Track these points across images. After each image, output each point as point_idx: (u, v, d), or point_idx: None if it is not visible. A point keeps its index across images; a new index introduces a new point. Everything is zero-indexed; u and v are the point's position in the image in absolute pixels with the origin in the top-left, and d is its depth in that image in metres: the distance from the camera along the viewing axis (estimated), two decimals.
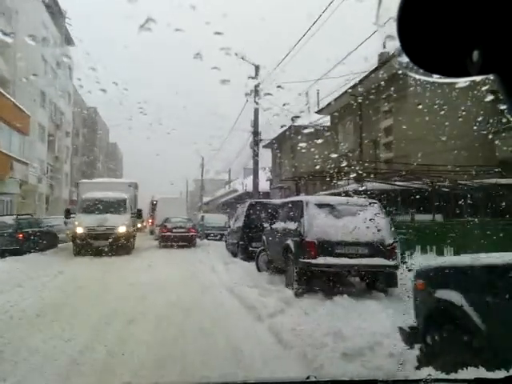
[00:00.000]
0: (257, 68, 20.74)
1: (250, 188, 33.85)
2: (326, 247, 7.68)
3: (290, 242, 8.30)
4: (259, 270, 10.43)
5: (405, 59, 0.76)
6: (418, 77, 0.81)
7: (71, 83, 43.11)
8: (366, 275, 8.05)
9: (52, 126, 36.73)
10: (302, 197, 8.85)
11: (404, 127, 16.47)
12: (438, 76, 0.79)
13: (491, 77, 0.76)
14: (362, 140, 19.64)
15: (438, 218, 12.98)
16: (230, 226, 16.08)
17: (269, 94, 31.45)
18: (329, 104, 22.22)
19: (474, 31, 0.71)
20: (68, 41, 41.35)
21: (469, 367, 2.47)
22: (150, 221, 32.08)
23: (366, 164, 17.62)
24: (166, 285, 8.99)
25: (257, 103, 20.09)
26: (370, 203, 8.43)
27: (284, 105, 30.97)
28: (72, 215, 17.12)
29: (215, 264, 11.91)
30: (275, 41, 18.27)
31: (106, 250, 15.12)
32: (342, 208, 8.10)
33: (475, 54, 0.72)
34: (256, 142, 20.22)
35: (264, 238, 10.43)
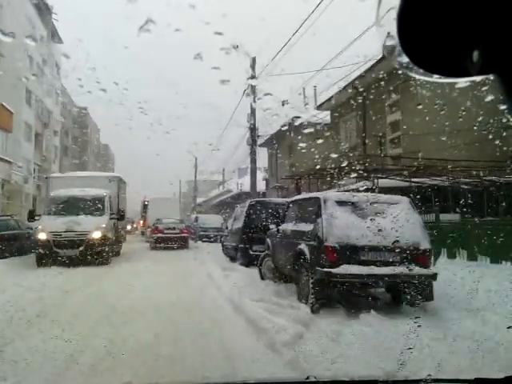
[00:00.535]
0: (253, 60, 19.42)
1: (245, 188, 32.46)
2: (350, 253, 6.25)
3: (303, 246, 6.86)
4: (263, 277, 8.99)
5: (405, 59, 0.74)
6: (417, 77, 0.78)
7: (59, 82, 41.43)
8: (396, 287, 6.62)
9: (39, 124, 35.03)
10: (318, 193, 7.43)
11: (413, 121, 15.17)
12: (437, 76, 0.76)
13: (491, 77, 0.73)
14: (365, 136, 18.28)
15: (457, 217, 11.64)
16: (227, 228, 14.58)
17: (269, 94, 30.35)
18: (329, 99, 20.88)
19: (474, 31, 0.70)
20: (55, 38, 39.71)
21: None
22: (142, 222, 30.57)
23: (367, 163, 16.26)
24: (154, 300, 7.49)
25: (254, 99, 18.68)
26: (398, 199, 7.03)
27: (283, 104, 29.60)
28: (37, 217, 13.84)
29: (212, 271, 10.42)
30: (275, 41, 17.35)
31: (77, 260, 12.15)
32: (366, 206, 6.67)
33: (475, 54, 0.70)
34: (253, 139, 18.79)
35: (269, 241, 8.98)
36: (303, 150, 22.00)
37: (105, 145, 68.59)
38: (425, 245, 6.55)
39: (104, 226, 13.14)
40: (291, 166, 25.33)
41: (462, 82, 0.79)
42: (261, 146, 27.71)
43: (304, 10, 14.61)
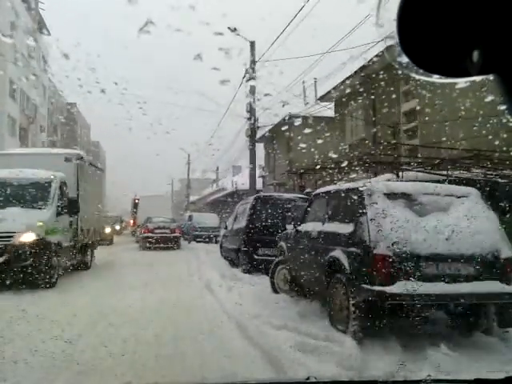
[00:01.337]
0: (252, 44, 17.61)
1: (240, 186, 30.59)
2: (409, 265, 4.44)
3: (339, 254, 5.03)
4: (275, 290, 7.13)
5: (405, 59, 0.73)
6: (418, 77, 0.76)
7: (46, 75, 39.23)
8: (468, 310, 4.81)
9: (24, 118, 32.85)
10: (359, 183, 5.60)
11: (432, 109, 13.46)
12: (438, 76, 0.75)
13: (491, 77, 0.72)
14: (375, 127, 16.52)
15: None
16: (226, 227, 12.67)
17: (268, 94, 28.92)
18: (334, 88, 19.09)
19: (474, 31, 0.69)
20: (43, 29, 37.58)
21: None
22: (132, 221, 28.53)
23: (388, 153, 14.54)
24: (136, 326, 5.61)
25: (253, 82, 16.85)
26: (465, 191, 5.24)
27: (283, 106, 27.80)
28: None
29: (211, 279, 8.51)
30: (276, 41, 16.00)
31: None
32: (426, 200, 4.86)
33: (475, 54, 0.69)
34: (253, 130, 16.95)
35: (283, 244, 7.13)
36: (303, 145, 20.33)
37: (95, 142, 66.20)
38: (506, 252, 4.76)
39: (42, 224, 8.28)
40: (290, 162, 23.57)
41: (462, 82, 0.78)
42: (257, 141, 25.94)
43: (304, 10, 13.16)
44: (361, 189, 4.93)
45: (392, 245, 4.47)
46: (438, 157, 11.63)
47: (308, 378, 1.69)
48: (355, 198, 5.04)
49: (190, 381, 3.68)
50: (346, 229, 5.06)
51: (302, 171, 15.81)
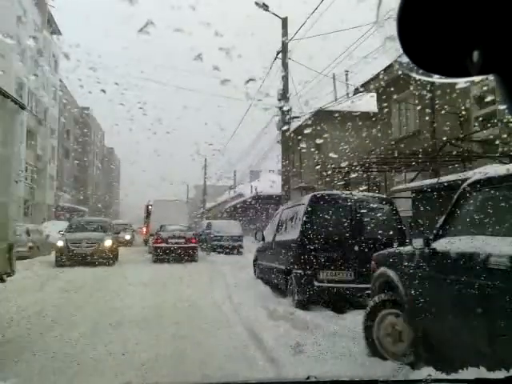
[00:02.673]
0: (284, 21, 14.74)
1: (260, 191, 27.63)
2: None
3: None
4: (376, 350, 4.02)
5: (405, 59, 0.71)
6: (418, 77, 0.74)
7: (57, 77, 36.89)
8: None
9: (32, 119, 30.35)
10: None
11: None
12: (438, 76, 0.73)
13: (491, 77, 0.71)
14: (434, 116, 13.39)
15: None
16: (263, 239, 9.40)
17: (268, 95, 27.19)
18: (377, 76, 16.05)
19: (474, 31, 0.67)
20: (52, 28, 35.32)
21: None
22: (145, 229, 25.42)
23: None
24: None
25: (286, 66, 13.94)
26: None
27: (281, 101, 25.39)
28: None
29: (255, 321, 5.38)
30: (276, 41, 14.81)
31: None
32: None
33: (475, 54, 0.67)
34: (285, 121, 13.98)
35: (390, 273, 4.02)
36: (338, 142, 17.53)
37: (110, 148, 64.06)
38: None
39: None
40: (322, 162, 20.53)
41: (462, 82, 0.76)
42: (279, 142, 23.02)
43: (305, 10, 10.82)
44: None
45: None
46: None
47: (308, 378, 1.60)
48: None
49: (190, 381, 3.62)
50: None
51: (348, 168, 12.75)
